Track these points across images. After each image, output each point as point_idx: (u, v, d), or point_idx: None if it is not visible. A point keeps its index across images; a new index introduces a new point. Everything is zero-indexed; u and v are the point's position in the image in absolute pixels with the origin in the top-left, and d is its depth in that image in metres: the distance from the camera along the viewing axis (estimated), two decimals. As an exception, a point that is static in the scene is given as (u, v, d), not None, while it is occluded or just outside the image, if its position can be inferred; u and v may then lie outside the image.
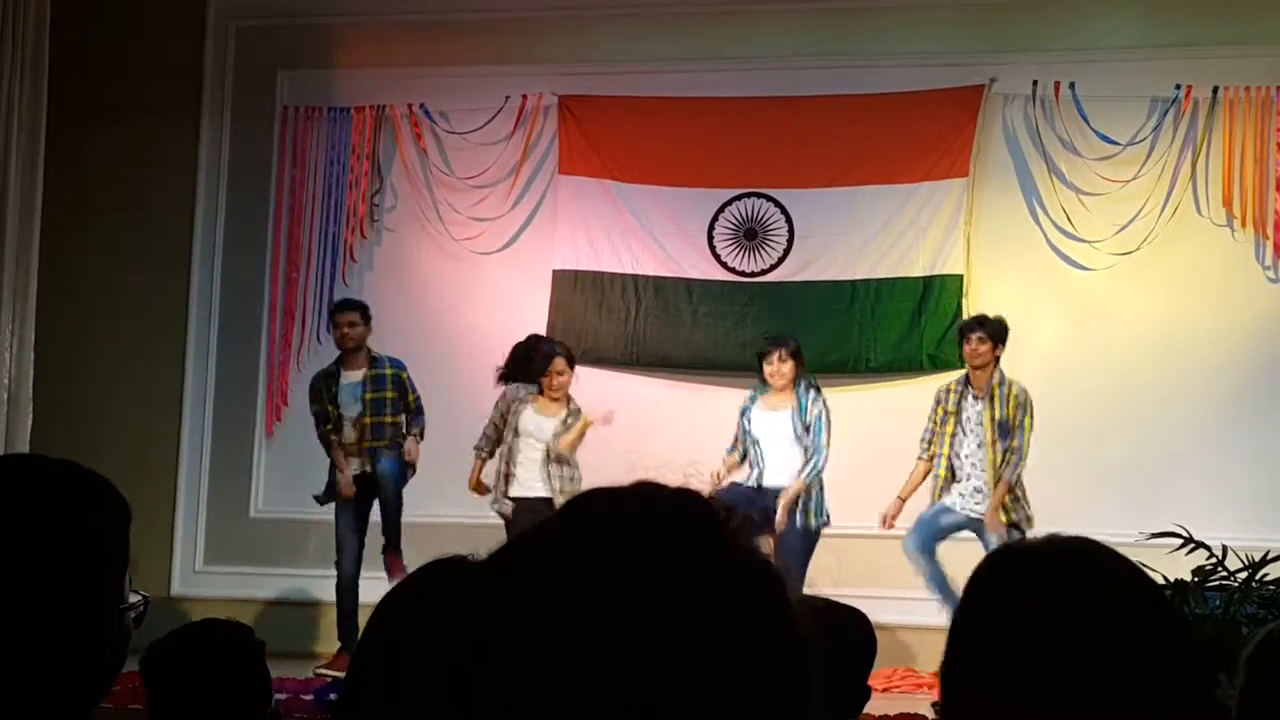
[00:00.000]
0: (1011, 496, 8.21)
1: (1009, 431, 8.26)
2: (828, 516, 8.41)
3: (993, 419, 8.27)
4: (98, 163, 10.65)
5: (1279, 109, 9.44)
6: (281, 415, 10.44)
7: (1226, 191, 9.47)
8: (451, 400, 9.47)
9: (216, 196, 10.65)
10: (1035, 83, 9.69)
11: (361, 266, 10.50)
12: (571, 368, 8.80)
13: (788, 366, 8.51)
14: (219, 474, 10.47)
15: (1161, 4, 9.68)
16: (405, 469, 8.93)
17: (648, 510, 1.21)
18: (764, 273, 9.99)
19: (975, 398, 8.37)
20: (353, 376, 8.94)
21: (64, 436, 10.33)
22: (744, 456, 8.60)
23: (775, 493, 8.35)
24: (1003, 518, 8.16)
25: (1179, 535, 5.34)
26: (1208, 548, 5.25)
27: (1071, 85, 9.64)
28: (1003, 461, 8.24)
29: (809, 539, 8.32)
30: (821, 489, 8.42)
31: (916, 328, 9.73)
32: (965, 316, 9.58)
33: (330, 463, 8.94)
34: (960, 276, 9.69)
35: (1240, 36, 9.48)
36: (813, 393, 8.53)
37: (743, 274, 10.02)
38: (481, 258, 10.33)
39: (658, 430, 9.29)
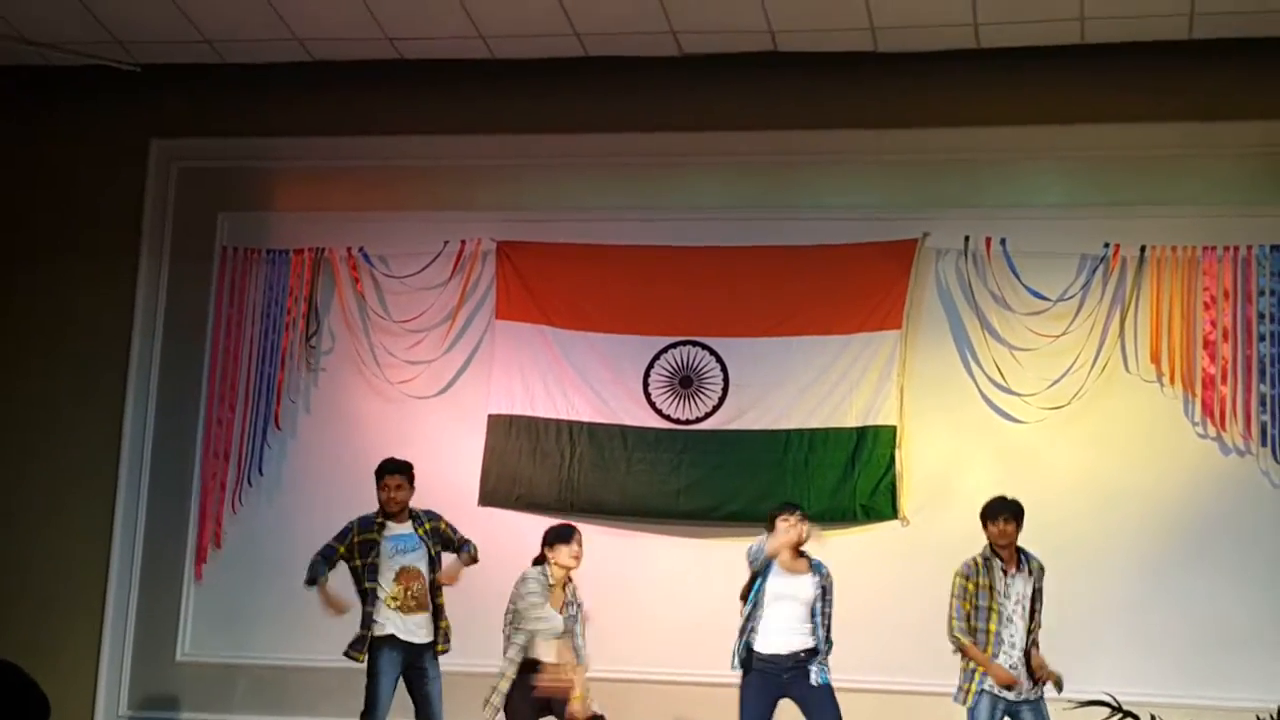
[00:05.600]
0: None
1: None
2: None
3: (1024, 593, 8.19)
4: (34, 299, 10.63)
5: (1204, 268, 9.62)
6: (208, 557, 10.33)
7: (1155, 348, 9.61)
8: (384, 545, 9.39)
9: (153, 335, 10.60)
10: (967, 238, 9.84)
11: (297, 409, 10.46)
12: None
13: (806, 527, 8.18)
14: (146, 616, 10.31)
15: (1090, 164, 9.87)
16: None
17: None
18: (698, 420, 10.03)
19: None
20: (400, 528, 8.65)
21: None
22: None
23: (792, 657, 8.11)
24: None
25: (1108, 705, 5.37)
26: (1136, 717, 5.28)
27: (1003, 241, 9.79)
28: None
29: None
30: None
31: (850, 478, 9.77)
32: (898, 468, 9.66)
33: (363, 614, 8.43)
34: (893, 428, 9.75)
35: (1166, 197, 9.69)
36: (825, 567, 8.27)
37: (677, 421, 10.05)
38: (417, 401, 10.33)
39: (591, 576, 9.24)
